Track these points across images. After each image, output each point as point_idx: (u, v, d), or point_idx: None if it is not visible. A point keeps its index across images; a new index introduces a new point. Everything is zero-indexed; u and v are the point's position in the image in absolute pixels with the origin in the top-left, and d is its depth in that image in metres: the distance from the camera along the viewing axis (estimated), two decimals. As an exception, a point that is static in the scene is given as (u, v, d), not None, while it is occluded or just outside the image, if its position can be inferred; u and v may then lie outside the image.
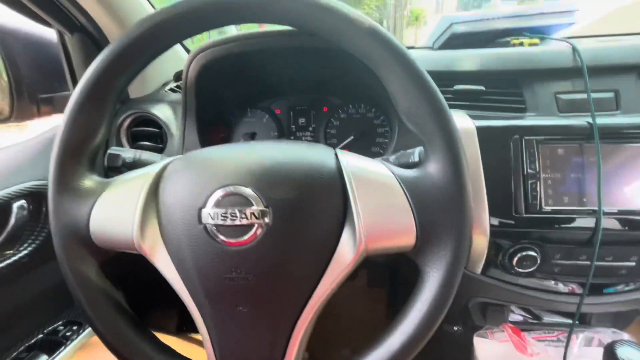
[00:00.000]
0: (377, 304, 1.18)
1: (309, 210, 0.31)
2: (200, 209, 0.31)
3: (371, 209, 0.31)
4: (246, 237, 0.30)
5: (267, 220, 0.30)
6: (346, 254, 0.31)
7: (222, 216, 0.30)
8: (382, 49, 0.30)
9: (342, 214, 0.32)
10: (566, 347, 0.55)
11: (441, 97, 0.30)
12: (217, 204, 0.30)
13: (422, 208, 0.30)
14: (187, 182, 0.33)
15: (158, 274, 0.33)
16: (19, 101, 0.65)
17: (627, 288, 0.53)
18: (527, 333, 0.64)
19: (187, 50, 0.82)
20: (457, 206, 0.29)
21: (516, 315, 0.66)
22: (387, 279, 1.16)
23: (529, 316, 0.66)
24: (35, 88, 0.66)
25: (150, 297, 0.78)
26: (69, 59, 0.64)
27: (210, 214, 0.30)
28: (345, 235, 0.31)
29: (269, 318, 0.32)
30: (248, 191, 0.30)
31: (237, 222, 0.30)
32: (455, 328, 0.72)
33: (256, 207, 0.30)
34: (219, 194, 0.31)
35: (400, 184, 0.31)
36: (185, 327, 0.82)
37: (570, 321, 0.62)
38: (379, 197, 0.31)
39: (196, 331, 0.66)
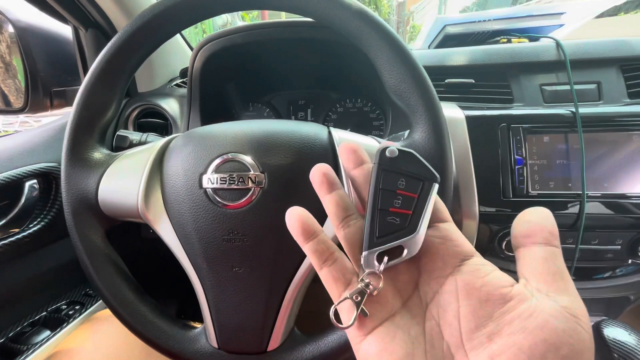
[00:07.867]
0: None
1: (302, 177, 0.33)
2: (201, 175, 0.33)
3: None
4: (243, 200, 0.32)
5: (262, 184, 0.32)
6: None
7: (221, 180, 0.33)
8: (371, 29, 0.33)
9: None
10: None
11: (424, 72, 0.33)
12: (217, 170, 0.33)
13: None
14: (190, 152, 0.35)
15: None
16: (34, 94, 0.69)
17: (618, 273, 0.55)
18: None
19: (192, 48, 0.86)
20: (439, 165, 0.32)
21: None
22: None
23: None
24: (49, 82, 0.70)
25: (150, 287, 0.80)
26: (82, 53, 0.68)
27: (211, 179, 0.33)
28: None
29: (264, 278, 0.33)
30: (245, 158, 0.33)
31: (235, 186, 0.32)
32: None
33: (253, 172, 0.33)
34: (218, 160, 0.33)
35: None
36: (183, 316, 0.83)
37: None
38: None
39: (194, 319, 0.67)
